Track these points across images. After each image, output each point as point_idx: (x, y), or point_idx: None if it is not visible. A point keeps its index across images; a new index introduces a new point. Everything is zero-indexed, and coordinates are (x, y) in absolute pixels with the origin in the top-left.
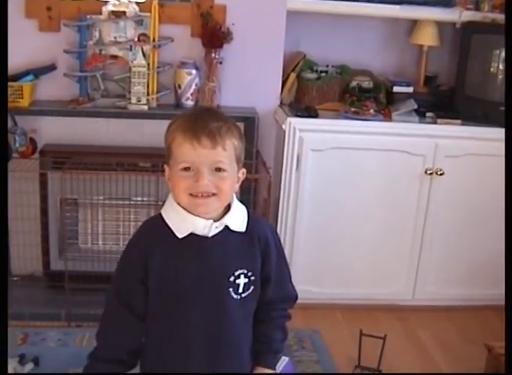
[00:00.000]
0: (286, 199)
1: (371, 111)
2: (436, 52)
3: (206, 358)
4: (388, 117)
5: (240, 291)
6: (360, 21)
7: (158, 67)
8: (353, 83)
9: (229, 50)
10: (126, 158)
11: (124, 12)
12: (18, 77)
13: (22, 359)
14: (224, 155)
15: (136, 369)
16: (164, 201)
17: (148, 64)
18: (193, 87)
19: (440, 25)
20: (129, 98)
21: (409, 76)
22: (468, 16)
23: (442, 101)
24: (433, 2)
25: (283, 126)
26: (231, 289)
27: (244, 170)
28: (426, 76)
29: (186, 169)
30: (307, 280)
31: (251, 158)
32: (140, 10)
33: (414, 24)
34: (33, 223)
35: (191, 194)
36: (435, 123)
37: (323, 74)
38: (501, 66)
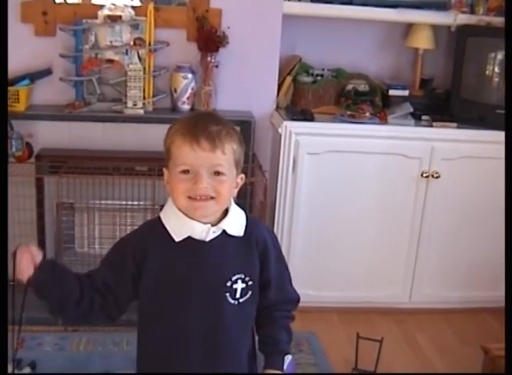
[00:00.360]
0: (283, 202)
1: (367, 114)
2: (432, 55)
3: (202, 363)
4: (384, 120)
5: (238, 296)
6: (355, 25)
7: (154, 71)
8: (349, 87)
9: (224, 54)
10: (123, 163)
11: (120, 17)
12: (14, 82)
13: (19, 364)
14: (223, 158)
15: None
16: (161, 205)
17: (144, 68)
18: (190, 90)
19: (435, 28)
20: (126, 102)
21: (405, 80)
22: (463, 19)
23: (438, 104)
24: (428, 6)
25: (279, 130)
26: (228, 294)
27: (243, 176)
28: (422, 80)
29: (185, 171)
30: (304, 284)
31: (247, 162)
32: (136, 14)
33: (409, 28)
34: (30, 227)
35: (190, 197)
36: (431, 126)
37: (319, 78)
38: (496, 69)
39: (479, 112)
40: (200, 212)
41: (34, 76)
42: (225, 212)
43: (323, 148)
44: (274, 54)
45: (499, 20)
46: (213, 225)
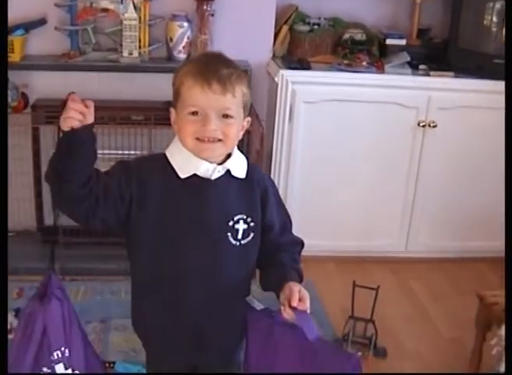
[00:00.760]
0: (279, 151)
1: (364, 63)
2: (429, 5)
3: (200, 302)
4: (381, 69)
5: (239, 237)
6: None
7: (150, 20)
8: (346, 36)
9: (221, 2)
10: (118, 112)
11: None
12: (8, 32)
13: (17, 313)
14: (233, 101)
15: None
16: None
17: (140, 17)
18: (185, 39)
19: None
20: (121, 52)
21: (402, 29)
22: None
23: (435, 53)
24: None
25: (276, 79)
26: (229, 234)
27: (249, 119)
28: (419, 29)
29: (194, 113)
30: (301, 232)
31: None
32: None
33: None
34: (26, 177)
35: (198, 139)
36: (428, 75)
37: (316, 27)
38: (494, 19)
39: (477, 61)
40: (207, 153)
41: (29, 26)
42: (228, 155)
43: (320, 97)
44: (270, 2)
45: None
46: (218, 165)
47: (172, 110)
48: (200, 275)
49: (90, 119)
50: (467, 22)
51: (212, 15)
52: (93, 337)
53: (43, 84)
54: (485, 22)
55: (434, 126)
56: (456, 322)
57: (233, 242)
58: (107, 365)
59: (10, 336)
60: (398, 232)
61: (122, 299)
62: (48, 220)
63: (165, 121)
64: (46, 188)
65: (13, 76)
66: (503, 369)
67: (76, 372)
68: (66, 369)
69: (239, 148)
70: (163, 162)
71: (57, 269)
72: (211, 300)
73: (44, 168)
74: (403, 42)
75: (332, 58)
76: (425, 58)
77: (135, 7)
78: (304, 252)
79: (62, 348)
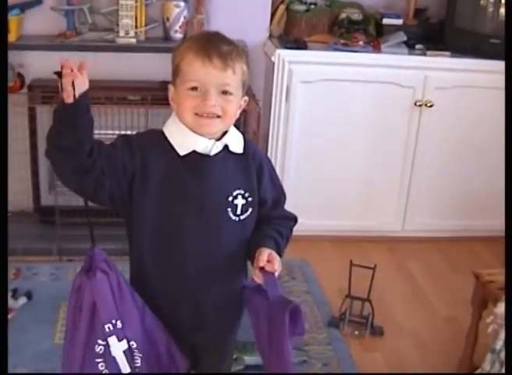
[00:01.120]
0: (276, 131)
1: (361, 43)
2: None
3: (199, 276)
4: (377, 49)
5: (239, 212)
6: None
7: (146, 0)
8: (343, 16)
9: None
10: (115, 92)
11: None
12: None
13: (14, 294)
14: (233, 78)
15: None
16: None
17: None
18: (182, 19)
19: None
20: (117, 32)
21: (399, 9)
22: None
23: (432, 33)
24: None
25: (272, 59)
26: (229, 209)
27: (247, 98)
28: (416, 9)
29: (194, 88)
30: (297, 212)
31: None
32: None
33: None
34: (23, 156)
35: (197, 114)
36: (425, 55)
37: (312, 6)
38: None
39: (473, 41)
40: (206, 129)
41: (25, 6)
42: (225, 132)
43: (316, 77)
44: None
45: None
46: (216, 141)
47: (170, 87)
48: (200, 250)
49: (86, 85)
50: (463, 2)
51: None
52: None
53: (39, 64)
54: (481, 2)
55: (430, 106)
56: (453, 300)
57: (233, 218)
58: None
59: (9, 316)
60: (395, 211)
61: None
62: (45, 201)
63: (162, 101)
64: (43, 168)
65: (9, 57)
66: (498, 346)
67: (132, 343)
68: (120, 340)
69: (237, 128)
70: (162, 138)
71: (54, 249)
72: (210, 275)
73: (40, 148)
74: (399, 22)
75: (329, 38)
76: (422, 37)
77: None
78: (300, 232)
79: (113, 321)
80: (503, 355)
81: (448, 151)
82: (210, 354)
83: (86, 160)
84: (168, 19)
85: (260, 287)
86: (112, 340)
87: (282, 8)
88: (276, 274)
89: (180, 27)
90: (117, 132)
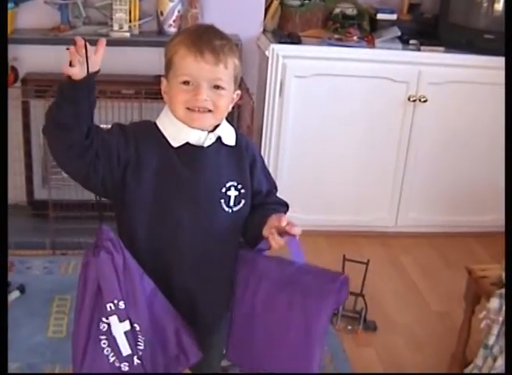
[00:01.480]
0: (270, 126)
1: (355, 38)
2: None
3: (191, 267)
4: (371, 44)
5: (232, 203)
6: None
7: None
8: (337, 11)
9: None
10: (109, 86)
11: None
12: None
13: (8, 287)
14: (225, 73)
15: None
16: None
17: None
18: (176, 13)
19: None
20: (111, 25)
21: (393, 4)
22: None
23: (426, 28)
24: None
25: (266, 53)
26: (223, 200)
27: (239, 92)
28: (410, 4)
29: (186, 82)
30: (291, 207)
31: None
32: None
33: None
34: (17, 151)
35: (188, 108)
36: (419, 50)
37: (306, 1)
38: None
39: (467, 36)
40: (197, 123)
41: (18, 0)
42: (217, 125)
43: (310, 72)
44: None
45: None
46: (209, 132)
47: (163, 80)
48: (192, 241)
49: (97, 65)
50: None
51: None
52: None
53: (33, 58)
54: None
55: (424, 101)
56: (445, 296)
57: (226, 209)
58: None
59: None
60: (388, 207)
61: None
62: (38, 194)
63: (156, 95)
64: (36, 162)
65: None
66: (491, 342)
67: (136, 325)
68: (121, 321)
69: (229, 122)
70: (155, 130)
71: (47, 243)
72: (203, 266)
73: (34, 142)
74: (393, 17)
75: (323, 33)
76: (416, 33)
77: None
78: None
79: (116, 301)
80: (495, 350)
81: (441, 147)
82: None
83: (83, 141)
84: (162, 14)
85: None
86: (113, 319)
87: (276, 2)
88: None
89: (174, 21)
90: (110, 126)
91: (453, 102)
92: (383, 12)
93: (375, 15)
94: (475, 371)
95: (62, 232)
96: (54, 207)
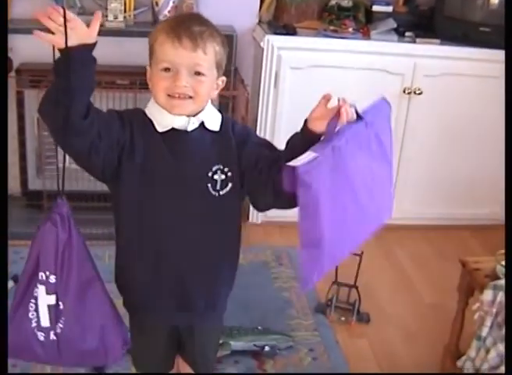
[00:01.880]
0: (264, 117)
1: (350, 29)
2: None
3: (181, 252)
4: (367, 36)
5: (218, 187)
6: None
7: None
8: (332, 2)
9: None
10: (103, 76)
11: None
12: None
13: None
14: (204, 58)
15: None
16: None
17: None
18: (171, 4)
19: None
20: (106, 16)
21: None
22: None
23: (422, 20)
24: None
25: (261, 44)
26: (209, 185)
27: (224, 78)
28: None
29: (166, 69)
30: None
31: (229, 76)
32: None
33: None
34: (11, 141)
35: (169, 95)
36: (414, 42)
37: None
38: None
39: (463, 29)
40: (178, 110)
41: None
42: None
43: (305, 63)
44: None
45: None
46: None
47: (147, 67)
48: (181, 226)
49: (90, 37)
50: None
51: None
52: None
53: (27, 48)
54: None
55: (419, 94)
56: (439, 288)
57: (213, 193)
58: None
59: None
60: None
61: (105, 264)
62: (33, 185)
63: None
64: (30, 152)
65: None
66: (484, 333)
67: (60, 303)
68: (48, 294)
69: (223, 114)
70: (144, 116)
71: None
72: (193, 252)
73: (28, 132)
74: (389, 9)
75: (318, 25)
76: (412, 25)
77: None
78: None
79: (47, 273)
80: (488, 341)
81: (436, 140)
82: (195, 337)
83: (79, 120)
84: (157, 4)
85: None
86: (41, 289)
87: None
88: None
89: (169, 12)
90: None
91: (449, 95)
92: (379, 3)
93: (371, 6)
94: (468, 363)
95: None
96: (48, 197)
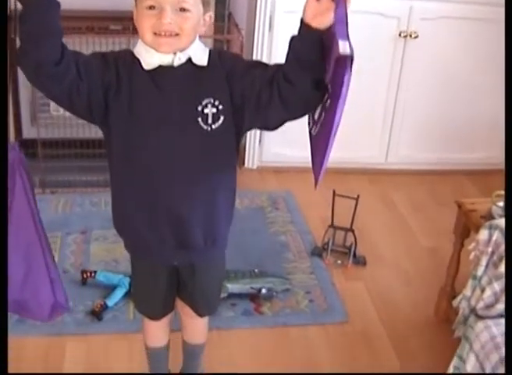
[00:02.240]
0: None
1: None
2: None
3: (175, 188)
4: None
5: (209, 121)
6: None
7: None
8: None
9: None
10: (96, 22)
11: None
12: None
13: None
14: None
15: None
16: None
17: None
18: None
19: None
20: None
21: None
22: None
23: None
24: None
25: None
26: (200, 119)
27: (211, 13)
28: None
29: (151, 7)
30: (280, 143)
31: (223, 21)
32: None
33: None
34: None
35: (155, 33)
36: None
37: None
38: None
39: None
40: (164, 48)
41: None
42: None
43: (300, 7)
44: None
45: None
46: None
47: (133, 8)
48: (174, 163)
49: None
50: None
51: None
52: (73, 248)
53: None
54: None
55: (415, 37)
56: (435, 232)
57: (204, 127)
58: (88, 274)
59: None
60: (378, 144)
61: (102, 210)
62: (27, 133)
63: None
64: (24, 100)
65: None
66: (479, 273)
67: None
68: None
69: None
70: (131, 56)
71: (37, 181)
72: (187, 188)
73: (21, 79)
74: None
75: None
76: None
77: None
78: (283, 163)
79: None
80: (483, 281)
81: (432, 84)
82: (195, 276)
83: (53, 67)
84: None
85: None
86: None
87: None
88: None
89: None
90: None
91: (446, 38)
92: None
93: None
94: (464, 302)
95: (51, 170)
96: (43, 145)
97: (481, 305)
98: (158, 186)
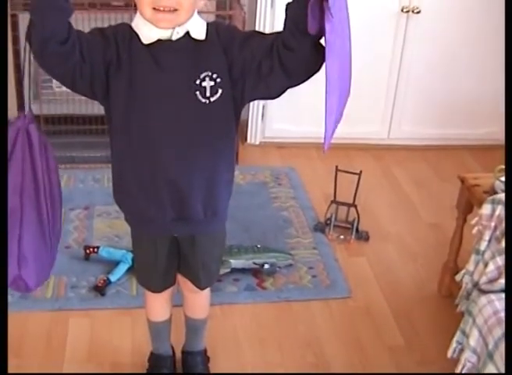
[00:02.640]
0: None
1: None
2: None
3: (175, 161)
4: None
5: (208, 94)
6: None
7: None
8: None
9: None
10: None
11: None
12: None
13: None
14: None
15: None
16: None
17: None
18: None
19: None
20: None
21: None
22: None
23: None
24: None
25: None
26: (198, 92)
27: None
28: None
29: None
30: (283, 119)
31: None
32: None
33: None
34: None
35: (154, 8)
36: None
37: None
38: None
39: None
40: (164, 24)
41: None
42: None
43: None
44: None
45: None
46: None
47: None
48: (173, 135)
49: None
50: None
51: None
52: (76, 224)
53: None
54: None
55: (417, 12)
56: (438, 207)
57: (203, 100)
58: (91, 250)
59: None
60: (381, 119)
61: (104, 186)
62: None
63: None
64: (26, 76)
65: None
66: (482, 247)
67: None
68: None
69: None
70: (130, 30)
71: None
72: (186, 161)
73: (23, 56)
74: None
75: None
76: None
77: None
78: (286, 139)
79: None
80: (486, 255)
81: (434, 59)
82: (196, 247)
83: (61, 45)
84: None
85: None
86: None
87: None
88: None
89: None
90: None
91: (447, 14)
92: None
93: None
94: (467, 277)
95: (53, 146)
96: (45, 121)
97: (484, 279)
98: (158, 158)
